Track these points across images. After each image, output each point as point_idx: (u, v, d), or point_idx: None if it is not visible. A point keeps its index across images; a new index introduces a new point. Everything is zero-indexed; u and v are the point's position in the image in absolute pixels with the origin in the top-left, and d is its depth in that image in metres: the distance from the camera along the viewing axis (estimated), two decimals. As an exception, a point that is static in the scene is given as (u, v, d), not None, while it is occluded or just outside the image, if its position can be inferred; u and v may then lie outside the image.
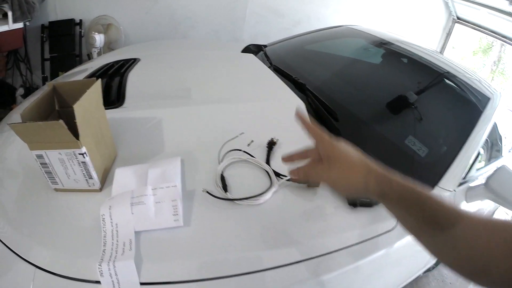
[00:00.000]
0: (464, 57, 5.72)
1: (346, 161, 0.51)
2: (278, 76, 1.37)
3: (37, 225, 0.70)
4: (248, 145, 0.88)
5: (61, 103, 0.83)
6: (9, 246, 0.67)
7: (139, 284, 0.58)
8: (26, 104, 1.31)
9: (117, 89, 1.18)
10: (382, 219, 0.79)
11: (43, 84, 2.80)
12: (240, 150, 0.85)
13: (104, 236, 0.64)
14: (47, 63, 2.80)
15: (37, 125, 0.64)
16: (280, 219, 0.71)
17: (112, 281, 0.58)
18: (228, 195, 0.72)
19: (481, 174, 1.25)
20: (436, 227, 0.45)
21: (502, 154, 1.56)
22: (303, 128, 0.57)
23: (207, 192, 0.72)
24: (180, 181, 0.74)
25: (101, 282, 0.58)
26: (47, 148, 0.68)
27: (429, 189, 0.89)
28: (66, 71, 2.62)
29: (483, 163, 1.34)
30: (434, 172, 1.02)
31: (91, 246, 0.64)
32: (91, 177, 0.74)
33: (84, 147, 0.68)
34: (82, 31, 2.79)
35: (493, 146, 1.45)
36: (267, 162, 0.83)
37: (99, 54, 2.63)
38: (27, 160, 0.86)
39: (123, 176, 0.77)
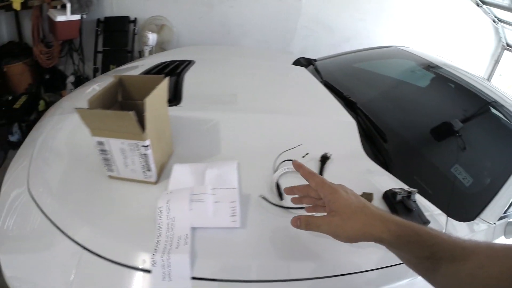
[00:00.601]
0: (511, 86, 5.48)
1: (347, 208, 0.51)
2: (329, 92, 1.37)
3: (89, 208, 0.73)
4: (303, 157, 0.88)
5: (124, 95, 0.86)
6: (56, 224, 0.70)
7: (190, 279, 0.59)
8: (77, 92, 1.40)
9: (173, 88, 1.22)
10: None
11: (94, 74, 2.95)
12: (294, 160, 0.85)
13: (159, 228, 0.65)
14: (99, 56, 2.94)
15: (105, 113, 0.67)
16: None
17: (163, 272, 0.59)
18: (284, 203, 0.73)
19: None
20: (448, 261, 0.45)
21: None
22: (303, 176, 0.59)
23: (264, 198, 0.74)
24: (237, 184, 0.75)
25: (152, 271, 0.59)
26: (110, 136, 0.70)
27: (465, 220, 0.94)
28: (117, 65, 2.78)
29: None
30: (477, 203, 1.02)
31: (141, 235, 0.66)
32: (149, 170, 0.75)
33: (148, 140, 0.69)
34: (136, 28, 2.92)
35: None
36: (320, 174, 0.83)
37: (150, 52, 2.72)
38: (79, 145, 0.91)
39: (180, 173, 0.79)
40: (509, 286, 0.39)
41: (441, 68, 1.67)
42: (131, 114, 0.62)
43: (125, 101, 0.86)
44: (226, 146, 0.92)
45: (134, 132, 0.67)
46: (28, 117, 2.44)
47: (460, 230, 0.90)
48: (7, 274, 0.70)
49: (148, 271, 0.60)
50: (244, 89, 1.30)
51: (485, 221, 0.97)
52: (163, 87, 0.79)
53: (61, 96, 2.79)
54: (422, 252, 0.46)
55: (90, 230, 0.68)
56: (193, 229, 0.66)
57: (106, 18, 2.88)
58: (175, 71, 1.40)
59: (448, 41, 3.35)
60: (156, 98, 0.74)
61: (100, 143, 0.72)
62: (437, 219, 0.86)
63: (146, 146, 0.70)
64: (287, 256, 0.66)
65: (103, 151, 0.73)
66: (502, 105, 1.36)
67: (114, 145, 0.71)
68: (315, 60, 1.94)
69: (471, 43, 3.48)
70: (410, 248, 0.47)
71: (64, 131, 1.01)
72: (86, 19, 2.70)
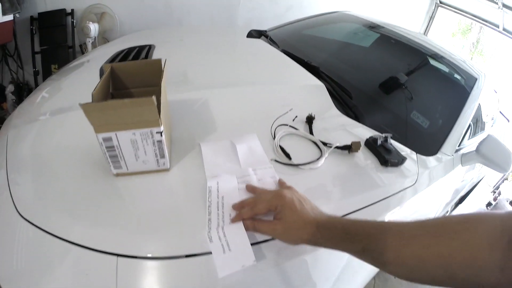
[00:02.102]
0: (443, 39, 5.97)
1: (290, 217, 0.58)
2: (291, 60, 1.44)
3: (104, 213, 0.68)
4: (293, 120, 0.97)
5: (115, 85, 0.83)
6: (75, 242, 0.63)
7: (249, 243, 0.60)
8: (27, 103, 1.25)
9: None
10: (405, 176, 0.94)
11: (35, 79, 2.70)
12: (287, 125, 0.94)
13: (209, 206, 0.67)
14: (38, 57, 2.68)
15: (121, 103, 0.61)
16: (333, 178, 0.83)
17: (222, 244, 0.60)
18: (293, 162, 0.81)
19: (471, 144, 1.44)
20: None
21: (485, 128, 1.80)
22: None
23: (276, 160, 0.81)
24: (268, 159, 0.82)
25: (211, 247, 0.59)
26: (118, 130, 0.65)
27: (430, 155, 1.11)
28: (59, 64, 2.58)
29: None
30: (435, 140, 1.21)
31: (169, 224, 0.65)
32: (163, 156, 0.73)
33: (162, 125, 0.67)
34: (75, 21, 2.69)
35: (478, 121, 1.65)
36: (311, 133, 0.93)
37: (93, 45, 2.57)
38: (72, 149, 0.83)
39: (210, 152, 0.81)
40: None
41: (384, 28, 1.86)
42: (152, 99, 0.60)
43: (118, 91, 0.83)
44: (220, 122, 0.95)
45: (151, 119, 0.65)
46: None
47: (428, 162, 1.07)
48: None
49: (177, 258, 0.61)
50: (213, 66, 1.33)
51: (445, 153, 1.16)
52: (165, 70, 0.78)
53: (2, 109, 2.59)
54: (355, 247, 0.51)
55: (119, 235, 0.64)
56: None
57: (40, 14, 2.61)
58: (139, 58, 1.37)
59: (384, 2, 3.54)
60: (164, 82, 0.73)
61: (107, 140, 0.67)
62: (410, 156, 1.01)
63: (161, 132, 0.68)
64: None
65: (110, 148, 0.68)
66: (441, 56, 1.60)
67: (124, 138, 0.67)
68: (266, 31, 1.99)
69: (406, 2, 3.70)
70: (343, 245, 0.53)
71: (34, 141, 0.92)
72: (18, 18, 2.45)
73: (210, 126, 0.93)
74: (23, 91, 2.71)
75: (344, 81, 1.32)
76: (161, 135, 0.68)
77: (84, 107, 0.60)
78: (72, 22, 2.70)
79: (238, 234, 0.61)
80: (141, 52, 1.44)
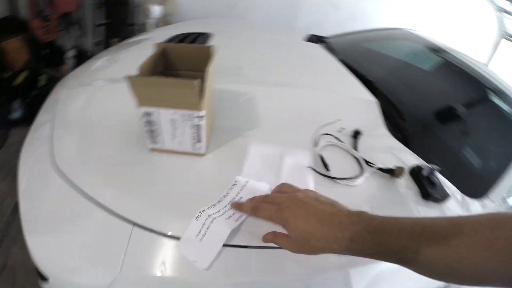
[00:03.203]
0: (508, 74, 5.63)
1: (299, 237, 0.52)
2: (347, 70, 1.39)
3: (132, 182, 0.71)
4: (339, 131, 0.92)
5: (166, 65, 0.84)
6: (99, 201, 0.68)
7: (216, 252, 0.58)
8: (84, 67, 1.36)
9: None
10: (444, 214, 0.85)
11: (95, 48, 2.86)
12: (331, 135, 0.90)
13: (224, 197, 0.66)
14: (101, 29, 2.84)
15: (164, 81, 0.63)
16: (369, 201, 0.77)
17: (200, 230, 0.59)
18: (331, 174, 0.77)
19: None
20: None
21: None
22: (247, 213, 0.62)
23: (313, 169, 0.77)
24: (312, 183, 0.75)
25: (191, 224, 0.60)
26: (160, 106, 0.67)
27: (475, 198, 1.00)
28: (119, 38, 2.70)
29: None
30: (483, 183, 1.10)
31: (190, 208, 0.65)
32: (199, 141, 0.74)
33: (204, 110, 0.67)
34: (135, 1, 2.81)
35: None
36: (355, 149, 0.88)
37: (154, 25, 2.66)
38: (109, 117, 0.90)
39: (257, 154, 0.79)
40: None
41: (447, 52, 1.74)
42: (195, 82, 0.61)
43: (167, 71, 0.84)
44: (265, 119, 0.94)
45: (192, 102, 0.65)
46: (29, 93, 2.37)
47: (471, 205, 0.98)
48: (37, 255, 0.67)
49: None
50: (266, 63, 1.32)
51: (490, 199, 1.05)
52: (215, 57, 0.78)
53: (60, 71, 2.74)
54: (389, 259, 0.47)
55: (137, 205, 0.67)
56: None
57: (106, -11, 2.75)
58: (193, 43, 1.39)
59: (450, 25, 3.38)
60: (211, 68, 0.72)
61: (147, 114, 0.69)
62: (454, 194, 0.93)
63: (201, 116, 0.68)
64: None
65: (149, 122, 0.71)
66: (505, 93, 1.46)
67: (164, 115, 0.68)
68: (325, 38, 1.95)
69: (472, 30, 3.52)
70: (375, 257, 0.47)
71: (83, 104, 0.99)
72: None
73: (254, 121, 0.92)
74: (82, 58, 2.83)
75: (398, 101, 1.24)
76: (201, 120, 0.69)
77: (129, 79, 0.62)
78: (133, 2, 2.81)
79: (218, 237, 0.59)
80: (197, 38, 1.46)
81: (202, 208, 0.62)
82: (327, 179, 0.76)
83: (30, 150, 0.90)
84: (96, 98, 1.01)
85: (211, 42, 1.42)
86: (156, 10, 2.60)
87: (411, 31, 2.08)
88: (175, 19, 2.75)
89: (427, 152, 1.05)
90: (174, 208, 0.67)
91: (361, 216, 0.50)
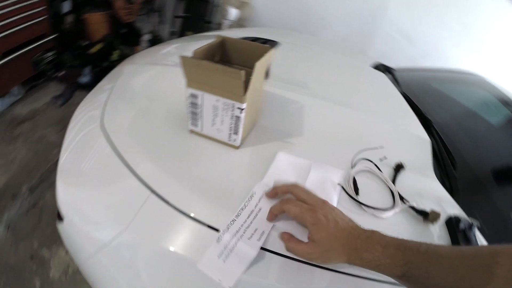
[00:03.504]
0: None
1: (326, 239, 0.54)
2: (407, 104, 1.35)
3: (164, 155, 0.77)
4: (380, 159, 0.89)
5: (222, 57, 0.87)
6: (127, 162, 0.75)
7: (241, 272, 0.56)
8: (153, 49, 1.48)
9: None
10: None
11: (169, 37, 3.04)
12: (371, 161, 0.87)
13: (242, 209, 0.64)
14: (178, 21, 3.00)
15: (213, 67, 0.65)
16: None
17: (223, 252, 0.58)
18: (359, 198, 0.74)
19: None
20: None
21: None
22: (277, 212, 0.62)
23: (342, 187, 0.75)
24: (336, 198, 0.73)
25: (212, 245, 0.59)
26: (206, 91, 0.70)
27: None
28: (194, 31, 2.83)
29: None
30: None
31: (211, 194, 0.68)
32: (236, 133, 0.76)
33: (246, 103, 0.69)
34: (219, 1, 2.94)
35: None
36: (393, 182, 0.84)
37: (231, 27, 2.76)
38: (160, 95, 0.97)
39: (283, 162, 0.78)
40: None
41: None
42: (242, 73, 0.62)
43: (222, 63, 0.87)
44: (308, 130, 0.94)
45: (236, 92, 0.67)
46: (101, 63, 2.58)
47: None
48: (61, 198, 0.75)
49: (206, 227, 0.63)
50: (326, 80, 1.32)
51: None
52: (269, 57, 0.78)
53: (134, 51, 2.93)
54: (395, 273, 0.49)
55: (160, 175, 0.71)
56: (273, 227, 0.63)
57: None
58: None
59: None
60: (262, 65, 0.73)
61: (193, 96, 0.72)
62: None
63: (242, 109, 0.69)
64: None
65: (194, 104, 0.74)
66: None
67: (208, 100, 0.71)
68: (392, 69, 1.91)
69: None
70: (382, 269, 0.50)
71: (143, 80, 1.07)
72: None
73: (298, 129, 0.93)
74: (155, 44, 3.01)
75: (454, 147, 1.17)
76: (241, 113, 0.71)
77: (182, 59, 0.66)
78: (213, 1, 2.93)
79: (244, 258, 0.57)
80: (265, 44, 1.49)
81: (223, 229, 0.60)
82: (353, 203, 0.74)
83: (84, 109, 1.00)
84: (157, 77, 1.09)
85: (278, 50, 1.45)
86: (233, 12, 2.70)
87: (484, 79, 1.96)
88: (249, 24, 2.83)
89: (471, 206, 0.98)
90: (195, 189, 0.69)
91: (373, 233, 0.54)
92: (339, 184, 0.75)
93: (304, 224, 0.57)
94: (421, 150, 1.06)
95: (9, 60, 2.09)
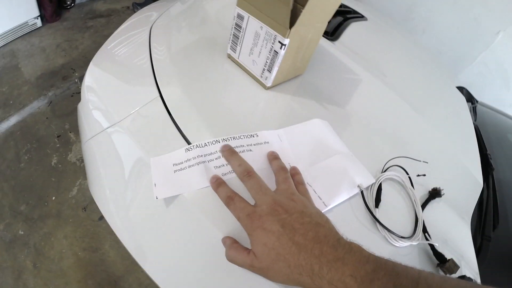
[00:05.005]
0: None
1: (266, 256, 0.41)
2: (476, 138, 1.16)
3: (194, 75, 0.76)
4: (418, 175, 0.74)
5: None
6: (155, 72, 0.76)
7: (188, 191, 0.53)
8: None
9: (337, 25, 1.16)
10: None
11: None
12: (406, 172, 0.72)
13: (231, 138, 0.60)
14: None
15: None
16: None
17: (181, 163, 0.55)
18: (377, 213, 0.61)
19: None
20: None
21: None
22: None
23: (362, 192, 0.62)
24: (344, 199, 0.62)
25: (177, 150, 0.57)
26: (253, 14, 0.66)
27: None
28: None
29: None
30: None
31: (219, 125, 0.65)
32: (269, 71, 0.71)
33: (288, 40, 0.63)
34: None
35: None
36: (423, 207, 0.69)
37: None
38: (213, 20, 0.98)
39: (313, 129, 0.69)
40: None
41: None
42: (290, 0, 0.57)
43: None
44: (353, 107, 0.83)
45: (280, 22, 0.61)
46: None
47: None
48: (86, 79, 0.79)
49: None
50: (401, 72, 1.19)
51: None
52: (335, 3, 0.69)
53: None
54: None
55: (175, 86, 0.72)
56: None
57: None
58: (344, 15, 1.30)
59: None
60: (320, 7, 0.64)
61: (240, 17, 0.70)
62: None
63: (283, 45, 0.64)
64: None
65: (238, 27, 0.72)
66: None
67: (252, 25, 0.68)
68: (475, 99, 1.68)
69: None
70: None
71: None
72: None
73: (341, 102, 0.84)
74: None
75: (503, 208, 0.99)
76: (281, 49, 0.65)
77: None
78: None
79: (193, 181, 0.52)
80: (349, 13, 1.36)
81: (197, 144, 0.57)
82: (367, 215, 0.61)
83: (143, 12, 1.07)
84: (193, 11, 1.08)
85: (360, 23, 1.30)
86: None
87: None
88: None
89: (492, 277, 0.82)
90: (202, 112, 0.67)
91: (351, 252, 0.39)
92: (359, 186, 0.62)
93: (244, 225, 0.45)
94: (469, 191, 0.90)
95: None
